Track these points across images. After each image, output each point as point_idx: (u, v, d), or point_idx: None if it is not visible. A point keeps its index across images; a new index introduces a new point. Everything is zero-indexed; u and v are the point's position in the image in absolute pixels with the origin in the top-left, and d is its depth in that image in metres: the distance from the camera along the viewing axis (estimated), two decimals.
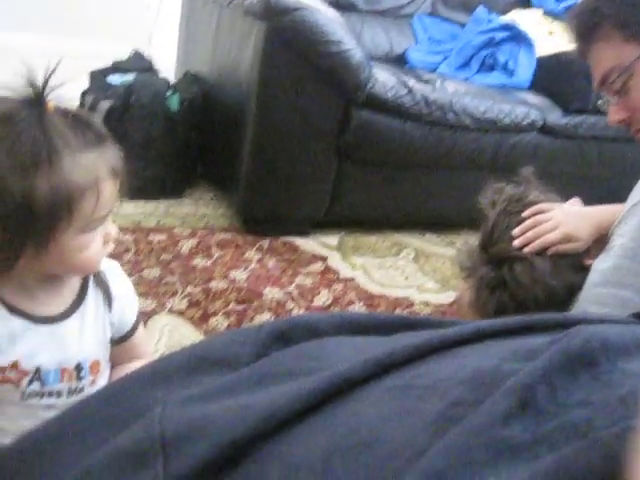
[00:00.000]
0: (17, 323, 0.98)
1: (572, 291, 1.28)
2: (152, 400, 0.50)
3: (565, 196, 1.48)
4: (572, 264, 1.33)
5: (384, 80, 2.38)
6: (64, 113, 0.90)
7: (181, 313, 1.89)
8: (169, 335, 1.77)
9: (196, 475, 0.40)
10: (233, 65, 2.52)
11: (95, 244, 0.97)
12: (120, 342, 1.13)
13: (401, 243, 2.65)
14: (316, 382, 0.47)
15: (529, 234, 1.34)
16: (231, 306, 1.97)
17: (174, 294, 1.98)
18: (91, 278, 1.07)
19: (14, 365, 0.98)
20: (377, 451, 0.41)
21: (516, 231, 1.35)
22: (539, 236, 1.33)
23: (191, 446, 0.41)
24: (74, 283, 1.05)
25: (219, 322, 1.88)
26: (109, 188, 0.95)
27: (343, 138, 2.39)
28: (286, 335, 0.59)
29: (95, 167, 0.92)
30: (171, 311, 1.89)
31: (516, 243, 1.34)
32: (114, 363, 1.14)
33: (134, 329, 1.15)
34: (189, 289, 2.02)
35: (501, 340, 0.59)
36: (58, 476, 0.48)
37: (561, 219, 1.35)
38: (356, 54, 2.28)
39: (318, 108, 2.33)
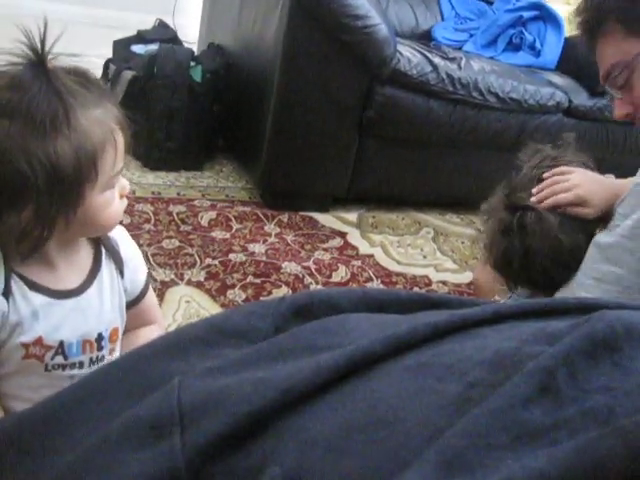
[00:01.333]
0: (39, 300, 0.98)
1: (577, 255, 1.30)
2: (169, 371, 0.50)
3: None
4: (581, 227, 1.34)
5: (409, 57, 2.36)
6: (66, 71, 0.89)
7: (199, 285, 1.90)
8: (186, 306, 1.78)
9: (213, 447, 0.40)
10: (257, 37, 2.51)
11: (116, 199, 0.97)
12: (132, 306, 1.13)
13: (421, 221, 2.64)
14: (336, 358, 0.47)
15: (544, 192, 1.35)
16: (249, 279, 1.97)
17: (192, 265, 1.98)
18: (102, 246, 1.07)
19: (38, 341, 0.98)
20: (396, 429, 0.41)
21: (534, 189, 1.36)
22: (553, 194, 1.35)
23: (208, 418, 0.41)
24: (88, 253, 1.05)
25: (236, 294, 1.88)
26: (121, 139, 0.94)
27: (366, 114, 2.38)
28: (306, 309, 0.58)
29: (107, 120, 0.92)
30: (189, 282, 1.90)
31: (533, 198, 1.35)
32: (126, 329, 1.15)
33: (144, 292, 1.15)
34: (208, 261, 2.02)
35: (521, 322, 0.59)
36: (76, 442, 0.48)
37: (578, 182, 1.36)
38: (382, 30, 2.26)
39: (342, 83, 2.32)
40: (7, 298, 0.95)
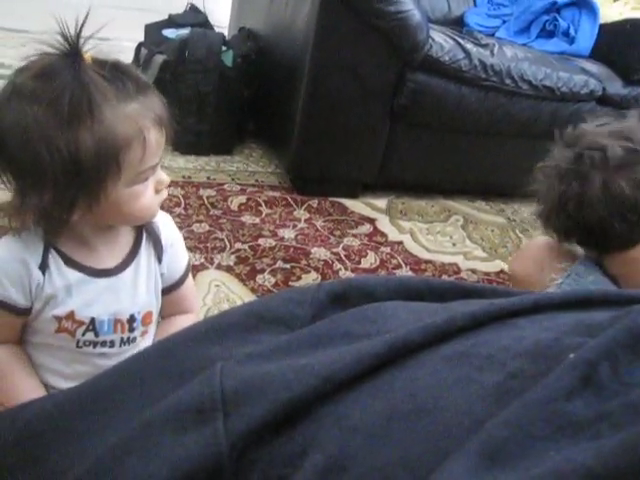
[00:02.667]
0: (74, 276, 1.00)
1: (636, 209, 1.23)
2: (209, 356, 0.51)
3: None
4: None
5: (441, 43, 2.34)
6: (101, 64, 0.90)
7: (229, 269, 1.90)
8: (216, 290, 1.79)
9: (255, 433, 0.40)
10: (289, 22, 2.50)
11: (148, 193, 0.98)
12: (168, 292, 1.14)
13: (450, 209, 2.63)
14: (375, 345, 0.47)
15: None
16: (278, 264, 1.98)
17: (222, 250, 1.99)
18: (144, 230, 1.08)
19: (69, 315, 1.00)
20: (436, 418, 0.41)
21: None
22: None
23: (250, 404, 0.42)
24: (128, 235, 1.07)
25: (266, 279, 1.89)
26: (155, 137, 0.94)
27: (397, 100, 2.37)
28: (343, 297, 0.59)
29: (138, 116, 0.91)
30: (219, 267, 1.91)
31: None
32: (162, 314, 1.16)
33: (182, 280, 1.16)
34: (237, 245, 2.03)
35: (559, 313, 0.59)
36: (116, 425, 0.49)
37: None
38: (414, 15, 2.24)
39: (373, 69, 2.31)
40: (43, 271, 0.98)
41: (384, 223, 2.40)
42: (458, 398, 0.43)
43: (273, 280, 1.89)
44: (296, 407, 0.42)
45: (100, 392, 0.55)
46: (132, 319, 1.06)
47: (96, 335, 1.03)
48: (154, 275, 1.10)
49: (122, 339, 1.06)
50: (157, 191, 1.00)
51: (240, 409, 0.41)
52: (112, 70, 0.90)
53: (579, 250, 1.38)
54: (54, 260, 0.99)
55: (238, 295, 1.79)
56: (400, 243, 2.27)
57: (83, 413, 0.53)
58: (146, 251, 1.08)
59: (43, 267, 0.98)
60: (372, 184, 2.56)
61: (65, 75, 0.86)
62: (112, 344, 1.05)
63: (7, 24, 4.42)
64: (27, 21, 4.55)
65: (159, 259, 1.10)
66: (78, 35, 0.88)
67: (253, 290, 1.82)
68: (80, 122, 0.87)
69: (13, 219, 0.95)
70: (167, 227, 1.13)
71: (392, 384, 0.44)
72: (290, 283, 1.90)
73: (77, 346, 1.02)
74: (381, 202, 2.56)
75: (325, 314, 0.57)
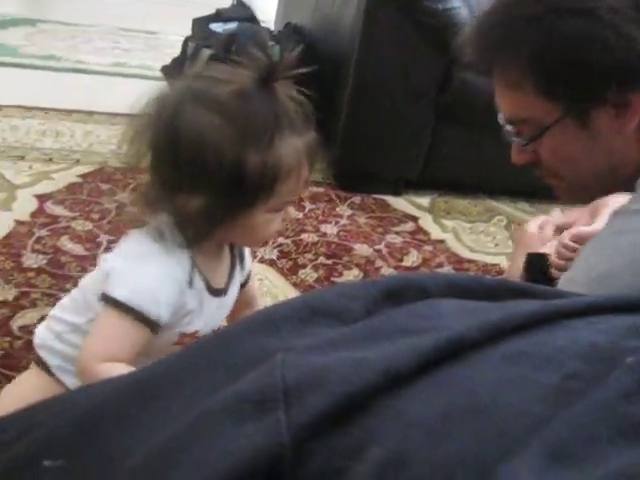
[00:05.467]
0: (205, 294, 1.04)
1: None
2: (266, 347, 0.51)
3: None
4: None
5: None
6: (289, 96, 0.94)
7: (272, 263, 1.92)
8: (259, 284, 1.80)
9: (316, 424, 0.41)
10: (336, 18, 2.50)
11: (277, 221, 1.01)
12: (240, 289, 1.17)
13: (494, 209, 2.61)
14: (433, 341, 0.48)
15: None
16: (320, 259, 1.99)
17: (265, 244, 2.00)
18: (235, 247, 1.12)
19: (194, 333, 1.05)
20: (494, 415, 0.41)
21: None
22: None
23: (311, 396, 0.42)
24: (227, 253, 1.11)
25: (308, 274, 1.90)
26: (306, 173, 0.98)
27: (442, 98, 2.36)
28: (397, 293, 0.59)
29: (302, 151, 0.95)
30: (262, 260, 1.92)
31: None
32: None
33: (249, 277, 1.21)
34: (280, 239, 2.04)
35: (612, 316, 0.58)
36: (174, 415, 0.50)
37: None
38: (462, 12, 2.23)
39: (419, 66, 2.30)
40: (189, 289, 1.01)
41: (427, 221, 2.39)
42: (516, 397, 0.43)
43: (315, 275, 1.90)
44: (355, 400, 0.42)
45: (158, 379, 0.56)
46: (219, 329, 1.11)
47: None
48: (239, 283, 1.14)
49: None
50: (282, 220, 1.04)
51: (301, 400, 0.42)
52: (295, 101, 0.95)
53: None
54: (196, 279, 1.02)
55: (280, 289, 1.80)
56: (443, 242, 2.26)
57: (141, 399, 0.54)
58: (238, 266, 1.13)
59: (190, 286, 1.01)
60: (415, 181, 2.55)
61: (260, 100, 0.90)
62: None
63: (57, 17, 4.48)
64: (76, 14, 4.62)
65: (242, 268, 1.15)
66: (277, 62, 0.93)
67: (295, 285, 1.83)
68: (256, 143, 0.90)
69: (147, 211, 0.99)
70: None
71: (450, 380, 0.45)
72: (332, 279, 1.90)
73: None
74: (424, 200, 2.55)
75: (379, 309, 0.57)
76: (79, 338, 1.04)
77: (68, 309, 1.09)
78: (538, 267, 1.39)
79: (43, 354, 1.09)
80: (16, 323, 1.49)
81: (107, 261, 1.00)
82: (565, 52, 1.03)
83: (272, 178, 0.93)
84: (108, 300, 0.96)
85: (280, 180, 0.93)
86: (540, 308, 0.56)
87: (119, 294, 0.95)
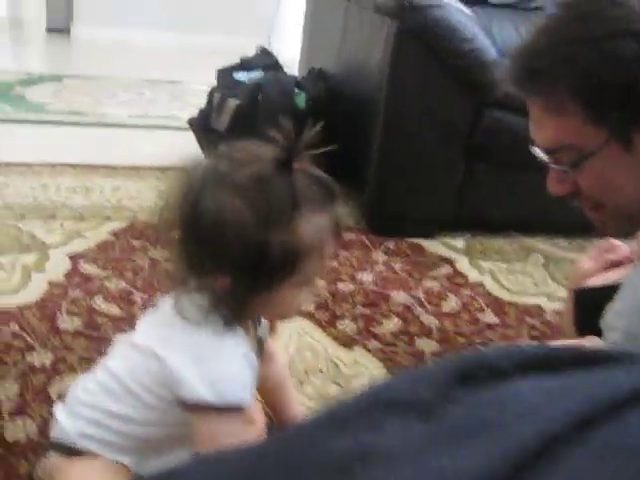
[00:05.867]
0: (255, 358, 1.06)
1: None
2: (333, 449, 0.48)
3: None
4: None
5: None
6: (309, 175, 0.95)
7: (309, 316, 1.88)
8: (298, 338, 1.77)
9: None
10: (361, 62, 2.50)
11: (303, 296, 1.02)
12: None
13: (529, 247, 2.56)
14: (521, 440, 0.44)
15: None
16: (358, 309, 1.95)
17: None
18: None
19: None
20: None
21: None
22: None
23: None
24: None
25: (347, 326, 1.86)
26: (330, 248, 1.00)
27: (473, 138, 2.33)
28: (471, 375, 0.55)
29: (324, 228, 0.97)
30: (299, 313, 1.88)
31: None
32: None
33: (267, 331, 1.20)
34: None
35: None
36: None
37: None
38: (489, 52, 2.21)
39: (448, 108, 2.28)
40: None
41: (463, 264, 2.34)
42: None
43: (354, 327, 1.86)
44: None
45: None
46: None
47: None
48: None
49: None
50: (310, 294, 1.06)
51: None
52: (315, 180, 0.95)
53: None
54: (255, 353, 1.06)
55: (320, 343, 1.76)
56: (481, 284, 2.21)
57: None
58: (255, 322, 1.13)
59: (257, 355, 1.07)
60: (449, 222, 2.51)
61: (280, 184, 0.91)
62: None
63: (82, 71, 4.54)
64: (101, 67, 4.68)
65: (259, 324, 1.14)
66: (294, 146, 0.93)
67: (335, 338, 1.79)
68: (277, 225, 0.91)
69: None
70: None
71: None
72: (371, 329, 1.86)
73: None
74: (458, 242, 2.51)
75: (455, 395, 0.53)
76: (120, 424, 1.04)
77: (102, 396, 1.07)
78: (587, 302, 1.34)
79: (84, 443, 1.06)
80: (54, 389, 1.47)
81: (165, 361, 0.98)
82: (617, 74, 1.03)
83: (295, 257, 0.93)
84: (198, 406, 0.96)
85: (303, 258, 0.94)
86: (625, 389, 0.52)
87: (210, 397, 0.95)
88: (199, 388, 0.95)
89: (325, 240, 0.97)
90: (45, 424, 1.35)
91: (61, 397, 1.41)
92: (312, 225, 0.94)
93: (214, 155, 0.99)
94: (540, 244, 2.60)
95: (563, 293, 2.24)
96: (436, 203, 2.45)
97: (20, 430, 1.35)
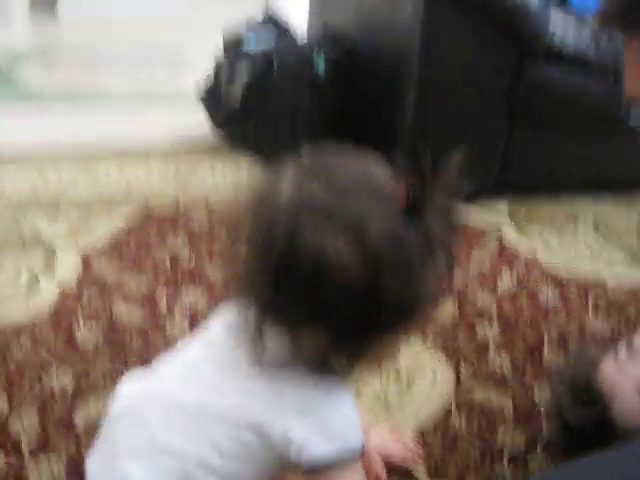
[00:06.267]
0: None
1: None
2: None
3: None
4: None
5: (564, 30, 2.07)
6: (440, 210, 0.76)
7: None
8: None
9: None
10: (387, 17, 2.26)
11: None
12: None
13: (578, 210, 2.34)
14: None
15: None
16: None
17: None
18: None
19: None
20: None
21: None
22: None
23: None
24: None
25: None
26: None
27: (515, 96, 2.11)
28: None
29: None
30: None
31: None
32: None
33: None
34: None
35: None
36: None
37: None
38: (533, 2, 1.99)
39: (488, 63, 2.07)
40: None
41: (510, 232, 2.14)
42: None
43: None
44: None
45: None
46: None
47: None
48: None
49: None
50: None
51: None
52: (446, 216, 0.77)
53: None
54: None
55: None
56: (533, 254, 2.01)
57: None
58: None
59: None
60: (491, 188, 2.29)
61: (414, 239, 0.71)
62: None
63: (73, 40, 4.29)
64: (92, 37, 4.41)
65: None
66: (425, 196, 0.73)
67: None
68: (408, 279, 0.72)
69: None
70: None
71: None
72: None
73: None
74: (502, 207, 2.29)
75: None
76: None
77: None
78: None
79: None
80: (79, 416, 1.27)
81: (287, 434, 0.79)
82: None
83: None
84: (328, 462, 0.80)
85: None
86: None
87: (334, 448, 0.80)
88: (318, 444, 0.79)
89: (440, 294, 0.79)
90: (73, 462, 1.16)
91: (88, 428, 1.22)
92: (435, 278, 0.74)
93: (298, 173, 0.76)
94: (589, 206, 2.38)
95: (620, 256, 2.05)
96: (477, 168, 2.22)
97: (45, 471, 1.15)
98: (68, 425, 1.25)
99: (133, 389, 0.90)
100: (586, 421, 1.18)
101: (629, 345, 1.20)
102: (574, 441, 1.23)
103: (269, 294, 0.73)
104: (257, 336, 0.77)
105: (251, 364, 0.79)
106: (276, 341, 0.77)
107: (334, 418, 0.81)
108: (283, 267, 0.70)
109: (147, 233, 1.96)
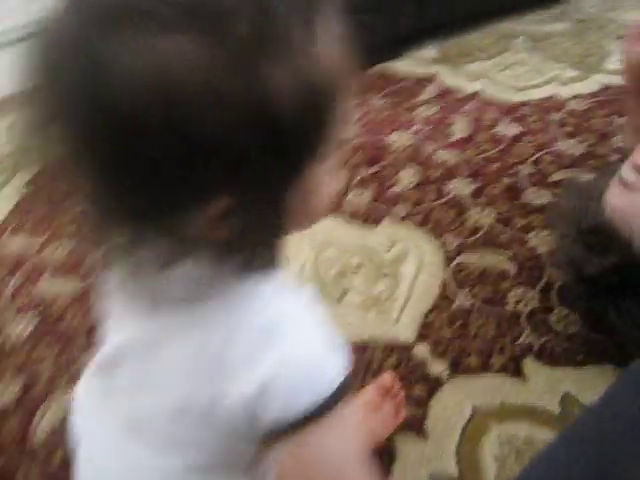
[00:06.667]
0: None
1: None
2: None
3: None
4: None
5: None
6: None
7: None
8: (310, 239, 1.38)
9: None
10: None
11: (333, 186, 0.56)
12: None
13: (508, 33, 2.12)
14: None
15: None
16: (363, 171, 1.54)
17: None
18: None
19: None
20: None
21: None
22: None
23: None
24: None
25: (358, 195, 1.47)
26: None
27: None
28: None
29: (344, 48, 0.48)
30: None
31: None
32: None
33: None
34: None
35: None
36: None
37: None
38: None
39: None
40: None
41: (448, 75, 1.92)
42: None
43: (368, 194, 1.47)
44: None
45: None
46: None
47: None
48: None
49: None
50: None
51: None
52: None
53: None
54: None
55: (338, 232, 1.38)
56: (478, 93, 1.81)
57: None
58: None
59: None
60: (411, 35, 2.06)
61: None
62: None
63: None
64: None
65: None
66: None
67: (353, 217, 1.41)
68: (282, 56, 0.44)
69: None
70: None
71: None
72: (389, 191, 1.47)
73: None
74: (430, 52, 2.06)
75: None
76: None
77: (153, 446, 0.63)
78: None
79: None
80: (41, 427, 1.07)
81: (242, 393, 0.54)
82: None
83: (320, 101, 0.46)
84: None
85: (331, 104, 0.47)
86: None
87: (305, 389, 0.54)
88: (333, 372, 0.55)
89: (348, 70, 0.49)
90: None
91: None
92: (333, 42, 0.47)
93: None
94: (520, 25, 2.16)
95: (571, 72, 1.86)
96: (392, 17, 1.99)
97: None
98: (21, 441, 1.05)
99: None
100: (606, 271, 1.01)
101: (635, 164, 1.01)
102: (595, 290, 1.07)
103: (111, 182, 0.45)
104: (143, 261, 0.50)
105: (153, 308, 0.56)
106: (160, 248, 0.50)
107: (296, 344, 0.55)
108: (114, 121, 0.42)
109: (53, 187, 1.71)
